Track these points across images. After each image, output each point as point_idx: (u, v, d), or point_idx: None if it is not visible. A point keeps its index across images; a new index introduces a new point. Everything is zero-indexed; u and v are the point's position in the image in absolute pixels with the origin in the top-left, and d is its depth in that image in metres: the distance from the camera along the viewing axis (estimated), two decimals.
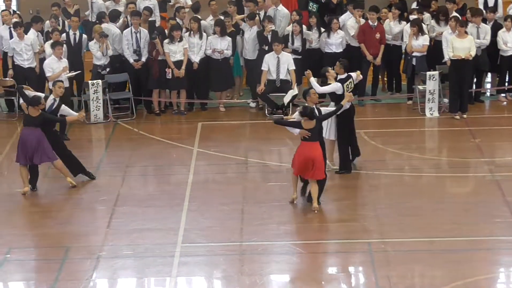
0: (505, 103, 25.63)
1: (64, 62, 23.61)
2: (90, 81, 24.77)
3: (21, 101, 20.48)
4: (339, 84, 19.50)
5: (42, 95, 20.10)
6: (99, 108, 24.76)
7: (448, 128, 23.81)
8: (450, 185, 20.36)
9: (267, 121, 24.49)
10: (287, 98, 24.34)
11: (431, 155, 22.16)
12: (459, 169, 20.98)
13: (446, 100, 24.71)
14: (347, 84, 19.53)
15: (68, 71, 23.54)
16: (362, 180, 20.58)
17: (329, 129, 20.00)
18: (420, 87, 24.81)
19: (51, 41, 24.20)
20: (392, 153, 21.66)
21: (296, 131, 18.59)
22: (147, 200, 19.71)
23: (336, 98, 19.64)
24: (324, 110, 19.27)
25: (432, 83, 24.33)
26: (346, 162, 20.43)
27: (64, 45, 24.31)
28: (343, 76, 19.65)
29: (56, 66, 23.46)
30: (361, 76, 20.40)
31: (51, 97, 19.99)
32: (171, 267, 16.75)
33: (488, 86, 26.46)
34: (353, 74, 19.83)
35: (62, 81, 20.88)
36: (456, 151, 22.24)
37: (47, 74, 23.58)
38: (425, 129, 23.96)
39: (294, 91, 24.35)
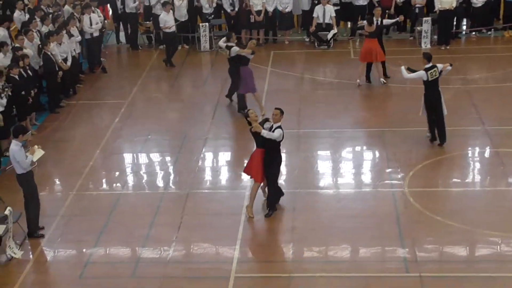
0: (474, 39, 25.18)
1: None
2: (201, 24, 24.76)
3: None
4: (423, 72, 16.23)
5: None
6: (206, 41, 24.80)
7: (435, 55, 23.09)
8: None
9: (316, 50, 24.40)
10: (329, 35, 24.20)
11: None
12: (442, 82, 20.71)
13: (435, 37, 24.38)
14: (431, 72, 16.19)
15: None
16: (374, 89, 20.54)
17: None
18: (419, 28, 24.49)
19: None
20: (397, 71, 21.48)
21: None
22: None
23: (424, 84, 16.43)
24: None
25: (426, 25, 24.02)
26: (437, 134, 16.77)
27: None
28: (428, 65, 16.26)
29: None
30: (448, 68, 16.66)
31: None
32: None
33: (464, 27, 25.98)
34: (440, 65, 16.42)
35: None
36: None
37: (161, 25, 23.20)
38: (421, 56, 23.47)
39: (334, 30, 24.17)
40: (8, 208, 13.12)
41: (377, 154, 16.72)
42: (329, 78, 21.77)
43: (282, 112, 13.84)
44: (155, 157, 17.07)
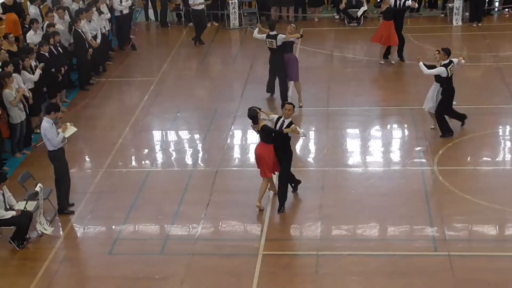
0: (507, 15, 24.86)
1: None
2: (230, 1, 24.66)
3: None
4: (443, 68, 15.46)
5: None
6: (235, 19, 24.72)
7: (467, 33, 23.27)
8: (467, 71, 20.02)
9: (346, 27, 24.25)
10: (359, 12, 23.97)
11: (454, 51, 21.62)
12: (474, 60, 20.60)
13: (467, 14, 24.09)
14: (450, 68, 15.51)
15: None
16: (405, 67, 20.36)
17: (426, 100, 16.13)
18: (450, 4, 24.22)
19: None
20: (428, 49, 21.28)
21: None
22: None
23: (442, 80, 15.65)
24: None
25: (458, 2, 23.74)
26: (445, 126, 16.02)
27: None
28: (446, 61, 15.55)
29: None
30: (463, 61, 16.08)
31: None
32: None
33: (497, 4, 25.63)
34: (455, 60, 15.70)
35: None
36: (472, 48, 21.76)
37: (190, 2, 23.16)
38: (452, 33, 23.43)
39: (364, 7, 23.91)
40: (39, 184, 13.26)
41: (406, 132, 16.61)
42: (359, 56, 21.63)
43: (294, 106, 13.43)
44: (184, 134, 17.11)
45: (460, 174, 14.64)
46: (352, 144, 16.18)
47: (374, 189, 14.19)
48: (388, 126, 17.05)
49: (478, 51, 21.35)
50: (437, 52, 15.86)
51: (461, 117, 16.34)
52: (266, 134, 13.25)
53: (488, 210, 13.22)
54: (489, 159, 15.26)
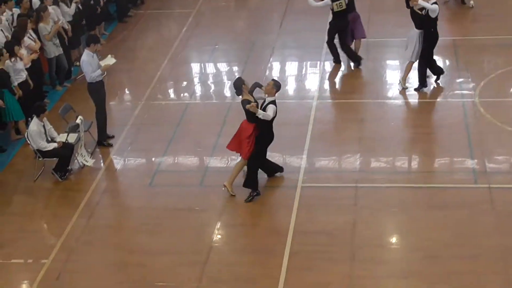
0: None
1: None
2: None
3: None
4: (437, 6, 14.30)
5: None
6: None
7: None
8: None
9: None
10: None
11: None
12: None
13: None
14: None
15: None
16: None
17: (412, 52, 14.98)
18: None
19: None
20: None
21: None
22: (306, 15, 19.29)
23: (431, 21, 14.54)
24: None
25: None
26: (423, 79, 15.22)
27: None
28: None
29: None
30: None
31: None
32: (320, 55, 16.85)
33: None
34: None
35: None
36: None
37: None
38: None
39: None
40: (79, 117, 13.42)
41: (448, 63, 16.37)
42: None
43: (276, 86, 12.02)
44: (223, 66, 17.09)
45: (502, 106, 14.46)
46: (392, 76, 16.01)
47: (413, 122, 14.11)
48: None
49: None
50: None
51: (439, 71, 15.39)
52: (243, 108, 12.08)
53: None
54: None
